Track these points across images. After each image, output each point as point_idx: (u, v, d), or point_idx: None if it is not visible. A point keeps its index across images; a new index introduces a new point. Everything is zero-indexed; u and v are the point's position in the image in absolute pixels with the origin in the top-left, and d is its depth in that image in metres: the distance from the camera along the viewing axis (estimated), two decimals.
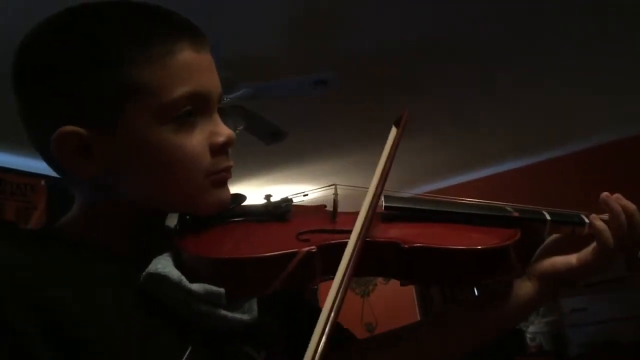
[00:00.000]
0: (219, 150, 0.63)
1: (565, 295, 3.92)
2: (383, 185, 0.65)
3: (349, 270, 0.54)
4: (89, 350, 0.52)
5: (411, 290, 5.17)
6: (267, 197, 0.72)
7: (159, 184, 0.61)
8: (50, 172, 0.64)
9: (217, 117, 0.64)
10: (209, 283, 0.57)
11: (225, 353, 0.61)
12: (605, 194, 0.69)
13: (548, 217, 0.70)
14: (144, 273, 0.57)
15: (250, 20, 2.37)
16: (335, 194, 0.73)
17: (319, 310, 0.51)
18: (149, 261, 0.59)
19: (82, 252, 0.61)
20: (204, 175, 0.62)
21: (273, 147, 3.12)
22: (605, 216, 0.69)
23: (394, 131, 0.71)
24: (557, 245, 0.73)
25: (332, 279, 0.55)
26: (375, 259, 0.62)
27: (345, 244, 0.58)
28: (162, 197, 0.63)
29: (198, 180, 0.62)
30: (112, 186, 0.61)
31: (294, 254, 0.58)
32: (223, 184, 0.65)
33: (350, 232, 0.59)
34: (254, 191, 4.27)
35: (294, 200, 0.73)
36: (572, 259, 0.70)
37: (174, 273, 0.57)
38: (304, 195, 0.75)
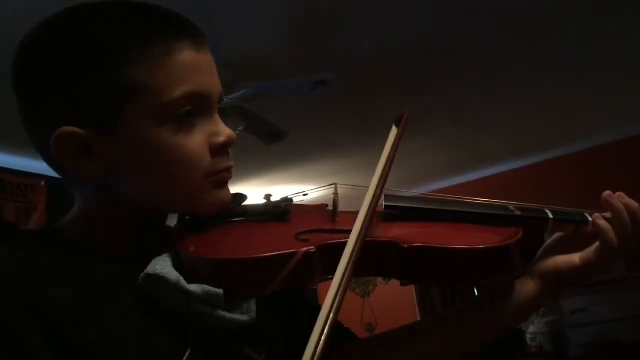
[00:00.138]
0: (219, 150, 0.63)
1: (566, 296, 3.92)
2: (383, 184, 0.65)
3: (348, 270, 0.54)
4: (88, 351, 0.52)
5: (411, 290, 5.16)
6: (267, 197, 0.72)
7: (159, 184, 0.61)
8: (51, 173, 0.64)
9: (217, 117, 0.64)
10: (208, 283, 0.57)
11: (225, 354, 0.61)
12: (607, 192, 0.69)
13: (551, 216, 0.70)
14: (142, 274, 0.57)
15: (250, 20, 2.37)
16: (335, 193, 0.73)
17: (320, 309, 0.50)
18: (149, 261, 0.59)
19: (82, 253, 0.60)
20: (204, 176, 0.62)
21: (273, 147, 3.12)
22: (608, 215, 0.68)
23: (394, 131, 0.71)
24: (560, 244, 0.72)
25: (332, 279, 0.55)
26: (375, 259, 0.62)
27: (345, 244, 0.57)
28: (162, 197, 0.63)
29: (198, 181, 0.62)
30: (112, 186, 0.61)
31: (292, 255, 0.57)
32: (223, 185, 0.65)
33: (350, 232, 0.59)
34: (254, 191, 4.27)
35: (294, 200, 0.72)
36: (575, 258, 0.69)
37: (172, 274, 0.57)
38: (304, 195, 0.74)
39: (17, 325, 0.51)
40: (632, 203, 0.68)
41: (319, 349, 0.46)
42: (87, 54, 0.57)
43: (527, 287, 0.71)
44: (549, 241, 0.73)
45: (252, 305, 0.61)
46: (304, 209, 0.74)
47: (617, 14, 2.60)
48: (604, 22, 2.68)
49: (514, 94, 3.43)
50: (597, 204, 0.70)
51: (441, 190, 5.07)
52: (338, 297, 0.51)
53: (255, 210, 0.70)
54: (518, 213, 0.70)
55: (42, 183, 3.40)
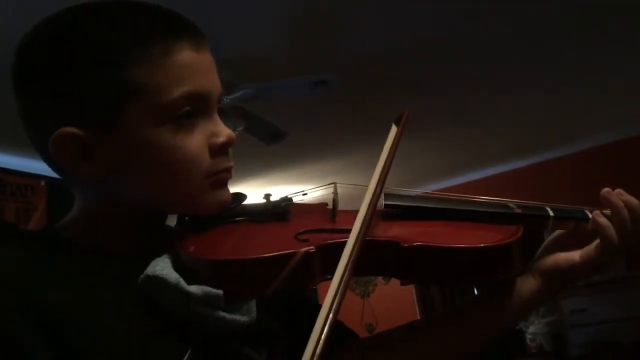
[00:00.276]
0: (218, 150, 0.63)
1: (566, 296, 3.92)
2: (383, 183, 0.64)
3: (348, 270, 0.54)
4: (89, 351, 0.52)
5: (411, 290, 5.16)
6: (267, 196, 0.72)
7: (159, 185, 0.61)
8: (51, 173, 0.64)
9: (217, 118, 0.64)
10: (208, 284, 0.57)
11: (226, 354, 0.61)
12: (606, 189, 0.68)
13: (551, 213, 0.69)
14: (142, 275, 0.57)
15: (250, 20, 2.37)
16: (335, 192, 0.73)
17: (320, 309, 0.50)
18: (149, 262, 0.59)
19: (82, 253, 0.60)
20: (204, 176, 0.62)
21: (273, 148, 3.12)
22: (608, 213, 0.68)
23: (394, 129, 0.71)
24: (560, 242, 0.72)
25: (332, 279, 0.55)
26: (375, 258, 0.62)
27: (345, 243, 0.57)
28: (161, 198, 0.62)
29: (197, 181, 0.61)
30: (112, 186, 0.61)
31: (292, 255, 0.57)
32: (223, 185, 0.65)
33: (350, 231, 0.59)
34: (254, 192, 4.27)
35: (294, 199, 0.72)
36: (575, 255, 0.69)
37: (172, 275, 0.57)
38: (303, 195, 0.74)
39: (17, 325, 0.51)
40: (632, 200, 0.68)
41: (318, 349, 0.46)
42: (86, 53, 0.57)
43: (527, 284, 0.70)
44: (548, 239, 0.73)
45: (253, 306, 0.61)
46: (304, 208, 0.74)
47: (617, 14, 2.60)
48: (604, 22, 2.68)
49: (514, 94, 3.43)
50: (597, 204, 0.70)
51: (441, 191, 5.05)
52: (338, 296, 0.51)
53: (255, 210, 0.70)
54: (518, 211, 0.70)
55: (42, 183, 3.40)
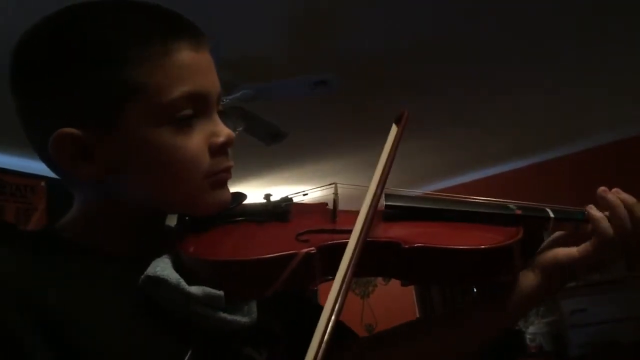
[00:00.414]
0: (218, 150, 0.63)
1: (566, 296, 3.92)
2: (384, 184, 0.64)
3: (349, 271, 0.54)
4: (89, 351, 0.52)
5: (411, 291, 5.16)
6: (267, 196, 0.72)
7: (159, 185, 0.61)
8: (51, 173, 0.64)
9: (216, 117, 0.64)
10: (208, 285, 0.57)
11: (226, 354, 0.61)
12: (602, 188, 0.68)
13: (551, 215, 0.69)
14: (142, 276, 0.57)
15: (250, 20, 2.36)
16: (335, 193, 0.73)
17: (322, 307, 0.50)
18: (149, 262, 0.59)
19: (81, 253, 0.60)
20: (204, 176, 0.62)
21: (273, 148, 3.12)
22: (607, 213, 0.68)
23: (394, 129, 0.70)
24: (562, 241, 0.71)
25: (332, 279, 0.55)
26: (376, 259, 0.62)
27: (346, 244, 0.57)
28: (161, 198, 0.62)
29: (197, 181, 0.61)
30: (111, 186, 0.61)
31: (293, 256, 0.57)
32: (223, 185, 0.65)
33: (350, 231, 0.59)
34: (254, 192, 4.27)
35: (294, 199, 0.72)
36: (574, 250, 0.69)
37: (173, 276, 0.57)
38: (304, 195, 0.74)
39: (17, 325, 0.51)
40: (629, 198, 0.68)
41: (320, 352, 0.46)
42: (86, 52, 0.57)
43: (527, 279, 0.70)
44: (548, 239, 0.73)
45: (253, 306, 0.61)
46: (304, 208, 0.74)
47: (617, 14, 2.60)
48: (604, 22, 2.68)
49: (514, 94, 3.43)
50: (596, 204, 0.70)
51: (441, 191, 5.06)
52: (340, 298, 0.50)
53: (255, 210, 0.70)
54: (519, 212, 0.70)
55: (42, 183, 3.40)
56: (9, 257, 0.57)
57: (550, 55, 2.95)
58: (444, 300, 5.11)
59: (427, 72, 2.99)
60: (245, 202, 0.69)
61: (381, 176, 0.64)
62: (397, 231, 0.67)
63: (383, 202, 0.70)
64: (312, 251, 0.58)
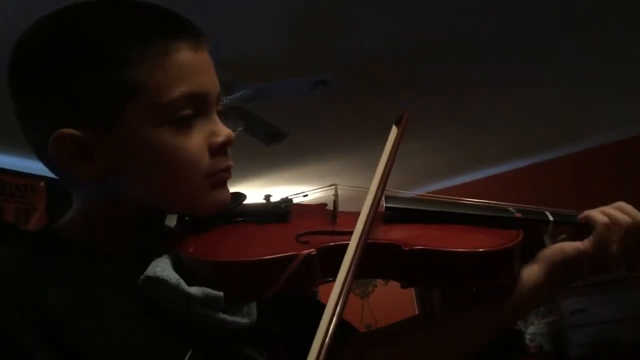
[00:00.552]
0: (218, 150, 0.62)
1: (565, 296, 3.92)
2: (384, 186, 0.64)
3: (350, 274, 0.53)
4: (89, 352, 0.52)
5: (411, 291, 5.16)
6: (267, 197, 0.72)
7: (159, 185, 0.61)
8: (50, 174, 0.64)
9: (215, 117, 0.64)
10: (207, 285, 0.56)
11: (226, 355, 0.61)
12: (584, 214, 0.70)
13: (551, 218, 0.70)
14: (142, 276, 0.57)
15: (250, 20, 2.36)
16: (335, 194, 0.73)
17: (322, 307, 0.50)
18: (149, 262, 0.58)
19: (81, 253, 0.60)
20: (203, 176, 0.62)
21: (273, 148, 3.12)
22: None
23: (394, 130, 0.70)
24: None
25: (333, 281, 0.55)
26: (375, 261, 0.62)
27: (346, 246, 0.57)
28: (161, 198, 0.62)
29: (197, 181, 0.61)
30: (111, 186, 0.61)
31: (293, 257, 0.57)
32: (222, 185, 0.64)
33: (350, 233, 0.59)
34: (254, 192, 4.27)
35: (294, 200, 0.72)
36: (578, 243, 0.68)
37: (173, 276, 0.56)
38: (304, 196, 0.74)
39: (17, 325, 0.51)
40: (620, 206, 0.69)
41: (321, 355, 0.46)
42: (86, 52, 0.57)
43: (531, 273, 0.69)
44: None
45: (253, 307, 0.61)
46: (304, 209, 0.73)
47: (617, 14, 2.60)
48: (604, 22, 2.68)
49: (514, 94, 3.42)
50: (597, 204, 0.70)
51: (441, 191, 5.07)
52: (341, 300, 0.50)
53: (255, 210, 0.70)
54: (518, 215, 0.70)
55: (42, 184, 3.40)
56: (9, 257, 0.57)
57: (550, 55, 2.95)
58: (443, 301, 5.11)
59: (427, 72, 2.99)
60: (245, 202, 0.69)
61: (381, 178, 0.64)
62: (397, 233, 0.67)
63: (383, 204, 0.70)
64: (313, 252, 0.58)
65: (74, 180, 0.63)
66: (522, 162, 4.76)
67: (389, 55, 2.76)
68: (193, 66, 0.60)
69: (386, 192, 0.67)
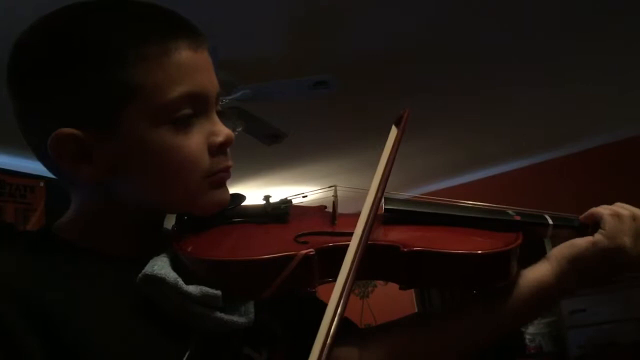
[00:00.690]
0: (217, 150, 0.62)
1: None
2: (384, 187, 0.64)
3: (351, 275, 0.53)
4: (88, 352, 0.52)
5: (411, 292, 5.16)
6: (266, 197, 0.72)
7: (158, 185, 0.61)
8: (50, 174, 0.64)
9: (215, 117, 0.63)
10: (206, 284, 0.56)
11: (225, 355, 0.61)
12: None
13: (551, 222, 0.70)
14: (140, 274, 0.57)
15: (249, 21, 2.36)
16: (335, 195, 0.73)
17: (322, 305, 0.50)
18: (148, 262, 0.58)
19: (80, 254, 0.60)
20: (203, 176, 0.61)
21: (273, 148, 3.12)
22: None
23: (394, 131, 0.70)
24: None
25: (331, 282, 0.55)
26: (375, 263, 0.62)
27: (345, 247, 0.57)
28: (160, 198, 0.62)
29: (196, 181, 0.61)
30: (110, 186, 0.61)
31: (292, 257, 0.57)
32: (222, 185, 0.64)
33: (349, 234, 0.59)
34: (254, 192, 4.27)
35: (293, 201, 0.72)
36: (590, 237, 0.68)
37: (171, 275, 0.56)
38: (303, 197, 0.74)
39: (17, 325, 0.51)
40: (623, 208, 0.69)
41: (323, 357, 0.46)
42: (85, 53, 0.57)
43: (539, 269, 0.68)
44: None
45: (250, 307, 0.61)
46: (303, 210, 0.73)
47: (617, 14, 2.60)
48: (604, 22, 2.68)
49: (514, 94, 3.43)
50: (596, 204, 0.70)
51: (440, 191, 5.07)
52: (342, 301, 0.50)
53: (254, 211, 0.70)
54: (517, 218, 0.70)
55: (41, 184, 3.40)
56: (9, 257, 0.57)
57: (550, 55, 2.95)
58: (443, 301, 5.12)
59: (427, 72, 2.99)
60: (244, 203, 0.69)
61: (381, 179, 0.64)
62: (396, 235, 0.67)
63: (383, 205, 0.70)
64: (311, 253, 0.58)
65: (73, 180, 0.63)
66: (522, 162, 4.76)
67: (389, 55, 2.76)
68: (192, 66, 0.60)
69: (386, 194, 0.67)
